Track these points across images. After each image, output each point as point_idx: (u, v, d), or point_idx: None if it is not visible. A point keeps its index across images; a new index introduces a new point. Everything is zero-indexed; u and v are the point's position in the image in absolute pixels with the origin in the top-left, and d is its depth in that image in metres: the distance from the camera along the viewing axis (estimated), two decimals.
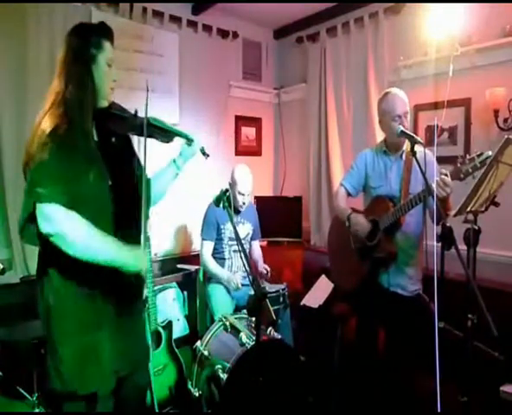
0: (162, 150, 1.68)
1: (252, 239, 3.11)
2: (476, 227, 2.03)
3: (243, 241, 2.65)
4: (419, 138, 1.88)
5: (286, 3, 3.70)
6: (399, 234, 2.17)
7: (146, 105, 1.46)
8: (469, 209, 1.98)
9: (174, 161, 1.68)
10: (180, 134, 1.64)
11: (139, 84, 3.12)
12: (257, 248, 3.17)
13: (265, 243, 3.83)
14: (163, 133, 1.58)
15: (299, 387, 2.20)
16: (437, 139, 2.91)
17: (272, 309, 2.31)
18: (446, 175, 1.79)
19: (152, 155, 1.51)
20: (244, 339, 2.15)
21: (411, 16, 3.18)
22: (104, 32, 1.46)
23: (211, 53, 3.87)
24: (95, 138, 1.45)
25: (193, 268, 3.49)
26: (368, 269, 2.26)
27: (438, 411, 1.35)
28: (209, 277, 2.97)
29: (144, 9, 3.34)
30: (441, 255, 1.64)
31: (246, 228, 3.03)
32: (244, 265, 1.64)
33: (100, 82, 1.43)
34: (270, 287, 2.78)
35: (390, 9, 3.34)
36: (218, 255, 2.96)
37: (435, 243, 1.61)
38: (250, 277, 1.59)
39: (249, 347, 2.10)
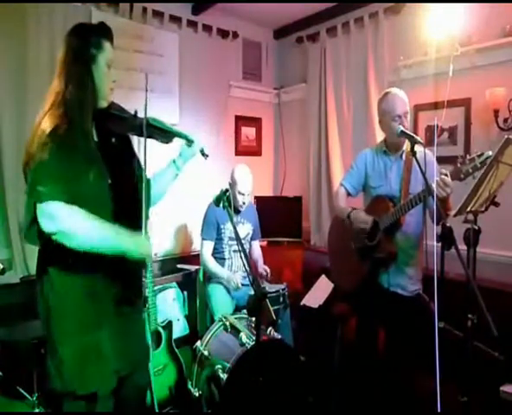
0: (162, 150, 1.68)
1: (252, 238, 3.11)
2: (476, 227, 2.03)
3: (243, 241, 2.65)
4: (418, 138, 1.88)
5: (286, 2, 3.70)
6: (399, 234, 2.17)
7: (145, 104, 1.46)
8: (469, 209, 1.98)
9: (174, 161, 1.68)
10: (179, 135, 1.64)
11: (139, 84, 3.12)
12: (257, 248, 3.17)
13: (265, 243, 3.83)
14: (163, 134, 1.58)
15: (299, 387, 2.20)
16: (437, 139, 2.91)
17: (271, 309, 2.31)
18: (446, 175, 1.79)
19: (152, 155, 1.51)
20: (244, 339, 2.15)
21: (411, 16, 3.18)
22: (104, 32, 1.46)
23: (211, 53, 3.87)
24: (95, 138, 1.45)
25: (193, 268, 3.49)
26: (368, 269, 2.26)
27: (438, 411, 1.35)
28: (209, 277, 2.97)
29: (144, 9, 3.34)
30: (441, 255, 1.64)
31: (246, 228, 3.03)
32: (244, 265, 1.64)
33: (100, 82, 1.43)
34: (270, 287, 2.78)
35: (390, 9, 3.34)
36: (218, 255, 2.96)
37: (435, 243, 1.61)
38: (250, 277, 1.59)
39: (249, 347, 2.10)
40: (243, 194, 2.90)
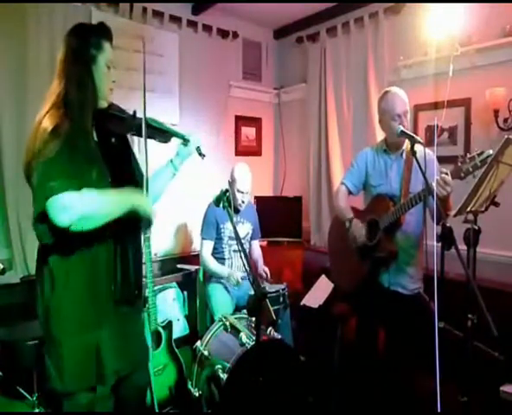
0: (159, 149, 1.68)
1: (251, 238, 3.11)
2: (476, 227, 2.03)
3: (243, 241, 2.66)
4: (418, 138, 1.88)
5: (286, 2, 3.70)
6: (399, 233, 2.17)
7: (144, 105, 1.46)
8: (469, 209, 1.98)
9: (171, 161, 1.68)
10: (176, 134, 1.65)
11: (139, 84, 3.09)
12: (257, 248, 3.17)
13: (265, 243, 3.83)
14: (161, 133, 1.59)
15: (299, 387, 2.20)
16: (437, 139, 2.92)
17: (271, 309, 2.31)
18: (446, 173, 1.79)
19: (150, 155, 1.51)
20: (244, 339, 2.15)
21: (411, 16, 3.18)
22: (103, 33, 1.46)
23: (211, 53, 3.87)
24: (95, 138, 1.46)
25: (193, 268, 3.49)
26: (368, 269, 2.26)
27: (438, 411, 1.35)
28: (209, 277, 2.97)
29: (144, 9, 3.34)
30: (441, 255, 1.64)
31: (245, 228, 3.03)
32: (244, 265, 1.64)
33: (100, 83, 1.44)
34: (270, 287, 2.78)
35: (390, 9, 3.34)
36: (218, 255, 2.96)
37: (435, 243, 1.61)
38: (250, 277, 1.59)
39: (249, 347, 2.10)
40: (242, 193, 2.90)
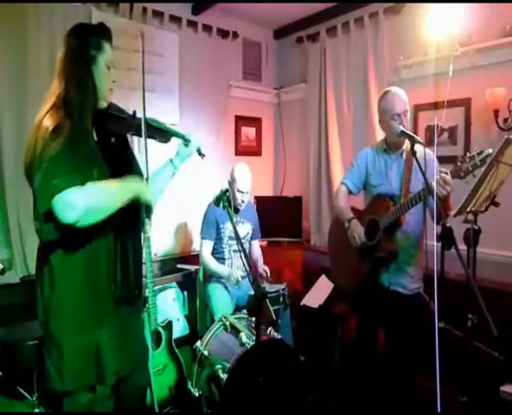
0: (159, 149, 1.68)
1: (251, 238, 3.11)
2: (476, 227, 2.03)
3: (243, 241, 2.65)
4: (418, 138, 1.88)
5: (286, 2, 3.70)
6: (399, 233, 2.17)
7: (143, 105, 1.46)
8: (469, 209, 1.98)
9: (171, 160, 1.68)
10: (176, 134, 1.65)
11: (139, 84, 3.12)
12: (256, 248, 3.17)
13: (265, 243, 3.83)
14: (161, 133, 1.59)
15: (299, 387, 2.20)
16: (437, 139, 2.92)
17: (271, 309, 2.31)
18: (446, 173, 1.79)
19: (150, 155, 1.51)
20: (244, 339, 2.15)
21: (411, 16, 3.18)
22: (103, 33, 1.46)
23: (211, 53, 3.87)
24: (95, 138, 1.46)
25: (193, 268, 3.49)
26: (368, 268, 2.26)
27: (438, 411, 1.35)
28: (209, 277, 2.98)
29: (144, 9, 3.34)
30: (441, 255, 1.64)
31: (245, 228, 3.03)
32: (244, 265, 1.64)
33: (100, 83, 1.44)
34: (270, 287, 2.78)
35: (390, 9, 3.34)
36: (218, 255, 2.96)
37: (435, 243, 1.61)
38: (250, 276, 1.59)
39: (249, 347, 2.10)
40: (242, 192, 2.90)
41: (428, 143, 2.84)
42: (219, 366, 2.10)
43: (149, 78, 3.26)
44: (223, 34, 3.96)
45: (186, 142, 1.65)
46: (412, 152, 1.81)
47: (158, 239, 3.33)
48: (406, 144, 2.20)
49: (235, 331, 2.28)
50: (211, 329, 2.41)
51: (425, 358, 1.56)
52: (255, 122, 4.46)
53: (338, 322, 2.95)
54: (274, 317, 2.30)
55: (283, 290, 2.77)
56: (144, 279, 2.17)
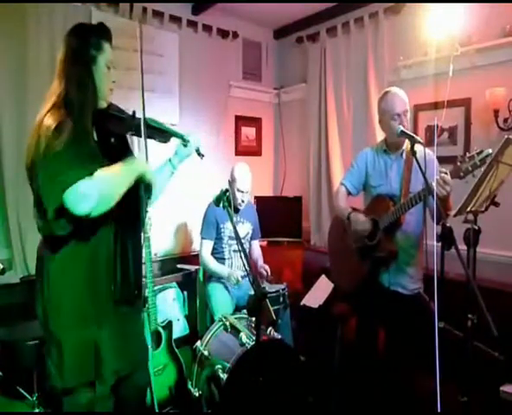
0: (159, 149, 1.68)
1: (251, 238, 3.11)
2: (476, 227, 2.03)
3: (243, 241, 2.65)
4: (418, 138, 1.88)
5: (286, 2, 3.70)
6: (399, 233, 2.17)
7: (143, 105, 1.46)
8: (469, 209, 1.98)
9: (169, 160, 1.68)
10: (176, 134, 1.65)
11: (139, 84, 3.12)
12: (256, 248, 3.17)
13: (265, 243, 3.83)
14: (161, 133, 1.60)
15: (299, 387, 2.20)
16: (437, 139, 2.92)
17: (271, 309, 2.31)
18: (446, 173, 1.79)
19: (150, 155, 1.52)
20: (244, 339, 2.15)
21: (411, 16, 3.18)
22: (103, 33, 1.47)
23: (211, 53, 3.87)
24: (95, 138, 1.46)
25: (193, 268, 3.49)
26: (368, 269, 2.26)
27: (438, 411, 1.35)
28: (209, 277, 2.98)
29: (144, 9, 3.33)
30: (441, 255, 1.64)
31: (245, 228, 3.03)
32: (244, 265, 1.64)
33: (100, 83, 1.44)
34: (270, 287, 2.78)
35: (390, 9, 3.34)
36: (218, 255, 2.96)
37: (435, 243, 1.61)
38: (250, 276, 1.59)
39: (249, 347, 2.10)
40: (242, 192, 2.90)
41: (428, 143, 2.84)
42: (219, 366, 2.10)
43: (149, 78, 3.26)
44: (223, 34, 3.96)
45: (185, 142, 1.66)
46: (412, 152, 1.81)
47: (158, 239, 3.33)
48: (406, 145, 2.20)
49: (235, 331, 2.28)
50: (211, 329, 2.41)
51: (425, 358, 1.56)
52: (255, 122, 4.46)
53: (338, 322, 2.95)
54: (274, 317, 2.30)
55: (283, 290, 2.77)
56: (143, 279, 2.17)
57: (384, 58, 3.40)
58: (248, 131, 4.39)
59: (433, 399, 1.35)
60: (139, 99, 1.48)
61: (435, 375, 1.33)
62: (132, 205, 1.45)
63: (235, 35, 4.06)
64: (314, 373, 2.46)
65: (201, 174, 3.48)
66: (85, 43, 1.41)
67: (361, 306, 2.44)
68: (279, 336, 2.30)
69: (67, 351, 1.39)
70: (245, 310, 2.54)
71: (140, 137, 1.50)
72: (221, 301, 2.81)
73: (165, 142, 1.63)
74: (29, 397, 2.35)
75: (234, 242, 2.91)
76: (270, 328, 2.29)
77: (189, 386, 2.29)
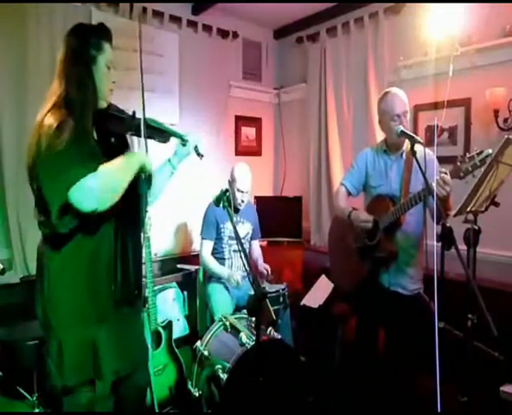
0: (159, 149, 1.68)
1: (251, 238, 3.11)
2: (476, 227, 2.03)
3: (243, 241, 2.65)
4: (418, 138, 1.88)
5: (286, 2, 3.70)
6: (399, 234, 2.17)
7: (143, 105, 1.46)
8: (469, 209, 1.98)
9: (169, 160, 1.69)
10: (175, 134, 1.65)
11: (139, 84, 3.12)
12: (256, 248, 3.17)
13: (265, 243, 3.83)
14: (160, 134, 1.60)
15: (299, 387, 2.20)
16: (437, 139, 2.92)
17: (271, 309, 2.32)
18: (446, 173, 1.79)
19: (149, 155, 1.52)
20: (244, 339, 2.15)
21: (411, 16, 3.18)
22: (103, 33, 1.47)
23: (211, 53, 3.87)
24: (95, 138, 1.46)
25: (193, 268, 3.49)
26: (368, 269, 2.26)
27: (438, 411, 1.35)
28: (209, 277, 2.98)
29: (144, 9, 3.33)
30: (441, 255, 1.64)
31: (245, 228, 3.03)
32: (244, 265, 1.64)
33: (100, 83, 1.44)
34: (270, 287, 2.78)
35: (390, 9, 3.34)
36: (218, 255, 2.96)
37: (435, 243, 1.61)
38: (250, 276, 1.59)
39: (249, 347, 2.10)
40: (242, 192, 2.90)
41: (428, 143, 2.84)
42: (219, 366, 2.10)
43: (149, 78, 3.25)
44: (223, 34, 3.96)
45: (184, 141, 1.66)
46: (413, 152, 1.81)
47: (158, 239, 3.33)
48: (406, 145, 2.20)
49: (235, 331, 2.28)
50: (211, 329, 2.41)
51: (425, 358, 1.56)
52: (255, 122, 4.45)
53: (338, 322, 2.95)
54: (274, 317, 2.31)
55: (283, 290, 2.77)
56: (143, 279, 2.17)
57: (384, 58, 3.40)
58: (248, 131, 4.39)
59: (433, 399, 1.35)
60: (139, 99, 1.47)
61: (435, 375, 1.33)
62: (132, 203, 1.46)
63: (235, 35, 4.05)
64: (314, 373, 2.46)
65: (201, 174, 3.48)
66: (85, 43, 1.41)
67: (361, 306, 2.44)
68: (279, 336, 2.30)
69: (66, 350, 1.39)
70: (245, 310, 2.54)
71: (140, 137, 1.50)
72: (221, 301, 2.81)
73: (165, 142, 1.63)
74: (29, 397, 2.35)
75: (234, 242, 2.91)
76: (270, 328, 2.29)
77: (189, 386, 2.29)
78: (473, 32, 2.84)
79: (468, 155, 1.76)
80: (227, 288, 2.88)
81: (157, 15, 3.46)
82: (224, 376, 2.03)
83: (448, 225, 1.57)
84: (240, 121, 4.30)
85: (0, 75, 2.74)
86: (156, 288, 2.55)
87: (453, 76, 2.44)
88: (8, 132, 2.75)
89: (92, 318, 1.42)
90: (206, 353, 2.26)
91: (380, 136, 2.75)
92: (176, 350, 2.55)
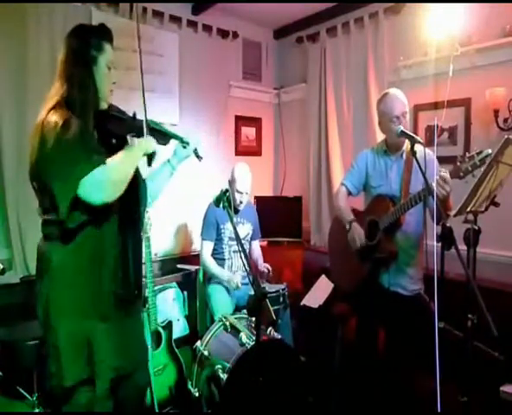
0: (158, 149, 1.68)
1: (251, 238, 3.11)
2: (476, 227, 2.03)
3: (243, 241, 2.65)
4: (418, 138, 1.88)
5: (286, 2, 3.70)
6: (399, 234, 2.17)
7: (144, 106, 1.47)
8: (469, 209, 1.98)
9: (168, 161, 1.69)
10: (175, 136, 1.65)
11: (139, 84, 3.12)
12: (257, 248, 3.17)
13: (265, 243, 3.83)
14: (161, 135, 1.60)
15: (299, 387, 2.20)
16: (437, 139, 2.91)
17: (271, 309, 2.32)
18: (445, 172, 1.79)
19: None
20: (244, 339, 2.15)
21: (411, 16, 3.18)
22: (104, 34, 1.47)
23: (211, 53, 3.87)
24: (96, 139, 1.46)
25: (193, 268, 3.49)
26: (368, 269, 2.26)
27: (438, 411, 1.35)
28: (209, 278, 2.97)
29: (144, 9, 3.33)
30: (441, 255, 1.64)
31: (245, 228, 3.03)
32: (244, 265, 1.64)
33: (101, 84, 1.45)
34: (270, 287, 2.78)
35: (390, 9, 3.34)
36: (218, 255, 2.96)
37: (435, 243, 1.61)
38: (250, 277, 1.59)
39: (249, 347, 2.10)
40: (241, 193, 2.90)
41: (428, 143, 2.84)
42: (219, 366, 2.10)
43: (149, 78, 3.25)
44: (223, 34, 3.96)
45: (184, 144, 1.66)
46: (413, 152, 1.81)
47: (158, 239, 3.33)
48: (406, 145, 2.20)
49: (235, 331, 2.28)
50: (211, 329, 2.41)
51: (425, 358, 1.56)
52: (255, 122, 4.45)
53: (338, 323, 2.95)
54: (274, 317, 2.31)
55: (283, 290, 2.77)
56: (143, 279, 2.17)
57: (384, 58, 3.40)
58: (248, 131, 4.39)
59: (433, 399, 1.35)
60: (139, 100, 1.48)
61: (435, 375, 1.33)
62: (132, 203, 1.46)
63: (235, 35, 4.05)
64: (314, 373, 2.46)
65: (201, 174, 3.48)
66: (85, 44, 1.42)
67: (361, 306, 2.44)
68: (279, 336, 2.30)
69: (66, 349, 1.39)
70: (245, 310, 2.54)
71: (141, 138, 1.50)
72: (221, 301, 2.81)
73: (165, 144, 1.63)
74: (29, 397, 2.35)
75: (234, 243, 2.91)
76: (270, 328, 2.29)
77: (189, 386, 2.29)
78: (473, 32, 2.84)
79: (468, 155, 1.76)
80: (226, 288, 2.88)
81: (157, 15, 3.45)
82: (224, 376, 2.03)
83: (448, 225, 1.57)
84: (240, 121, 4.30)
85: (0, 75, 2.74)
86: (156, 288, 2.55)
87: (453, 76, 2.44)
88: (8, 132, 2.75)
89: (92, 317, 1.42)
90: (206, 353, 2.26)
91: (380, 136, 2.74)
92: (176, 350, 2.55)
